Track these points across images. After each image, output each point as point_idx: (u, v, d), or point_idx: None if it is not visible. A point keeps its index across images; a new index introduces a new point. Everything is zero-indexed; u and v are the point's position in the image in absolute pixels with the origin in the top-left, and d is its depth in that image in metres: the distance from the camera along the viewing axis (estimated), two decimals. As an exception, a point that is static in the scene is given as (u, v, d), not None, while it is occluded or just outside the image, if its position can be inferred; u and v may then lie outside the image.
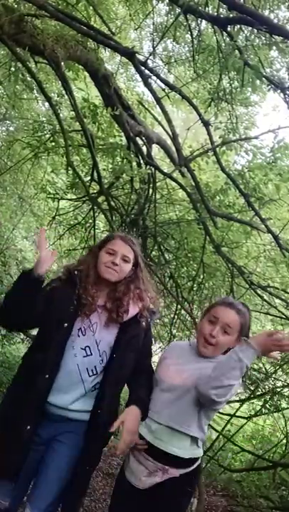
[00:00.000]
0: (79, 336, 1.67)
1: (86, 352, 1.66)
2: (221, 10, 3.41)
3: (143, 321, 1.75)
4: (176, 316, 4.23)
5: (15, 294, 1.64)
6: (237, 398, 4.10)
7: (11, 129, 7.15)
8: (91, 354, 1.67)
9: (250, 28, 3.44)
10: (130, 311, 1.72)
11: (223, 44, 3.72)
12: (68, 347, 1.65)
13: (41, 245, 1.65)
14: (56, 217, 4.49)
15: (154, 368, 1.84)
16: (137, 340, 1.74)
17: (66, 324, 1.66)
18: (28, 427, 1.59)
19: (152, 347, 1.95)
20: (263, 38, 3.35)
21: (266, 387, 3.95)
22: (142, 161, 4.19)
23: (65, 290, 1.70)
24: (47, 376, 1.61)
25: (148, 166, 4.18)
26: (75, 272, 1.74)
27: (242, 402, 3.94)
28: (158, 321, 4.60)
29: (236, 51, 3.10)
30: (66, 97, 3.85)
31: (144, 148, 4.38)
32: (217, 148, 3.98)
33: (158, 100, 3.95)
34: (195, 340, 1.81)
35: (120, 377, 1.71)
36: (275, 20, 3.84)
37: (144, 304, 1.76)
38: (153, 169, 4.22)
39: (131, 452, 1.72)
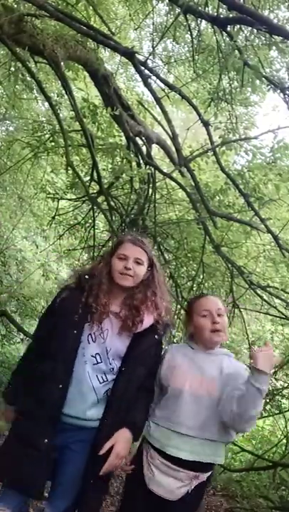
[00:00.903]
0: (89, 343, 1.64)
1: (96, 359, 1.63)
2: (220, 10, 3.41)
3: (157, 332, 1.70)
4: (175, 316, 4.22)
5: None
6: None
7: (11, 128, 7.15)
8: (101, 362, 1.64)
9: (250, 28, 3.44)
10: (145, 322, 1.67)
11: (223, 44, 3.72)
12: (79, 354, 1.63)
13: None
14: (56, 217, 4.49)
15: (163, 377, 1.77)
16: (148, 354, 1.70)
17: (75, 331, 1.63)
18: (46, 440, 1.55)
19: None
20: (263, 38, 3.34)
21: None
22: (141, 161, 4.19)
23: (73, 298, 1.68)
24: (60, 386, 1.58)
25: (148, 166, 4.17)
26: (86, 277, 1.71)
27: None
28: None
29: (236, 51, 3.10)
30: (66, 97, 3.84)
31: (144, 148, 4.38)
32: (217, 149, 3.98)
33: (158, 100, 3.95)
34: (192, 342, 1.82)
35: (128, 390, 1.66)
36: (275, 21, 3.84)
37: (159, 313, 1.71)
38: (153, 169, 4.22)
39: (152, 464, 1.69)
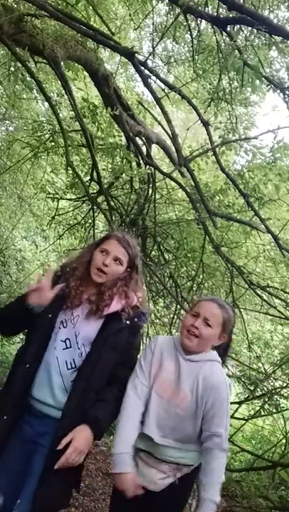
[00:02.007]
0: (60, 328, 1.67)
1: (66, 344, 1.65)
2: (220, 10, 3.41)
3: (125, 317, 1.70)
4: (175, 316, 4.23)
5: (6, 311, 1.75)
6: (236, 399, 4.11)
7: (11, 128, 7.16)
8: (70, 347, 1.65)
9: (249, 28, 3.44)
10: (113, 306, 1.68)
11: (223, 44, 3.73)
12: (52, 339, 1.66)
13: (44, 283, 1.66)
14: (56, 217, 4.49)
15: (151, 376, 1.71)
16: (117, 337, 1.67)
17: (50, 315, 1.67)
18: (5, 417, 1.58)
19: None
20: (263, 38, 3.34)
21: (265, 387, 3.95)
22: (141, 161, 4.20)
23: (53, 285, 1.71)
24: (27, 366, 1.62)
25: (148, 166, 4.18)
26: (67, 269, 1.75)
27: (241, 402, 3.94)
28: (158, 320, 4.61)
29: (236, 51, 3.10)
30: (66, 96, 3.85)
31: (144, 148, 4.38)
32: (217, 149, 3.98)
33: (157, 100, 3.95)
34: (177, 336, 1.79)
35: (95, 373, 1.63)
36: (275, 21, 3.84)
37: (128, 301, 1.72)
38: (152, 169, 4.23)
39: (138, 457, 1.69)
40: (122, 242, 1.73)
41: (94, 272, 1.69)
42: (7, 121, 6.94)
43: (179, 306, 4.06)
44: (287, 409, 3.95)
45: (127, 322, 1.70)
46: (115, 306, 1.69)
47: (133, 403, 1.66)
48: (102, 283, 1.70)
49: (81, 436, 1.55)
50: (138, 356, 1.80)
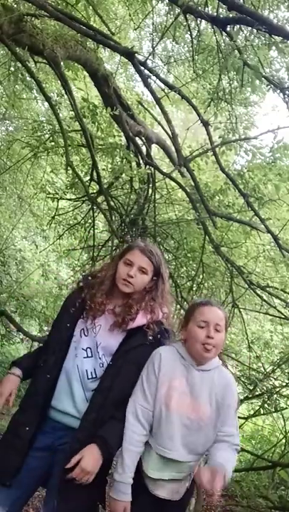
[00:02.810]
0: (81, 337, 1.68)
1: (87, 353, 1.66)
2: (220, 10, 3.41)
3: (150, 334, 1.67)
4: (175, 316, 4.22)
5: None
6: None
7: (11, 128, 7.16)
8: (91, 356, 1.66)
9: (249, 28, 3.44)
10: (137, 320, 1.67)
11: (223, 44, 3.73)
12: (71, 347, 1.67)
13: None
14: (55, 217, 4.49)
15: (163, 398, 1.64)
16: (139, 352, 1.66)
17: (68, 324, 1.69)
18: (27, 428, 1.58)
19: None
20: (263, 38, 3.34)
21: (265, 387, 3.95)
22: (141, 161, 4.19)
23: (74, 295, 1.76)
24: (48, 376, 1.62)
25: (147, 166, 4.18)
26: (89, 278, 1.79)
27: (240, 402, 3.93)
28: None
29: (236, 51, 3.10)
30: (65, 96, 3.84)
31: (144, 148, 4.38)
32: (216, 149, 3.98)
33: (157, 100, 3.95)
34: (180, 346, 1.71)
35: (114, 386, 1.61)
36: (275, 21, 3.84)
37: (153, 317, 1.71)
38: (152, 169, 4.22)
39: (156, 483, 1.65)
40: (145, 252, 1.73)
41: (121, 283, 1.69)
42: (7, 121, 6.94)
43: (179, 306, 4.06)
44: (286, 409, 3.95)
45: (150, 338, 1.68)
46: (140, 320, 1.68)
47: (132, 429, 1.61)
48: (130, 296, 1.71)
49: (89, 457, 1.53)
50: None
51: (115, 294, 1.73)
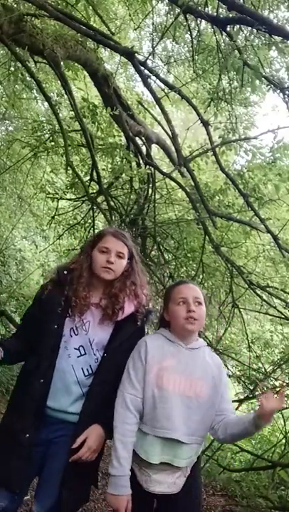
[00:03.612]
0: (72, 336, 1.64)
1: (80, 352, 1.64)
2: (220, 10, 3.41)
3: (139, 318, 1.71)
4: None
5: None
6: (236, 398, 4.10)
7: (11, 128, 7.15)
8: (85, 353, 1.64)
9: (249, 28, 3.44)
10: (126, 309, 1.68)
11: (223, 44, 3.73)
12: (62, 348, 1.63)
13: None
14: (55, 217, 4.49)
15: (152, 381, 1.64)
16: (131, 340, 1.68)
17: (56, 326, 1.63)
18: (27, 435, 1.57)
19: None
20: (263, 38, 3.34)
21: (265, 387, 3.95)
22: (141, 161, 4.20)
23: (53, 292, 1.68)
24: (42, 381, 1.59)
25: (147, 166, 4.18)
26: (64, 272, 1.71)
27: (241, 401, 3.93)
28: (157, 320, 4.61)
29: (236, 51, 3.10)
30: (65, 96, 3.85)
31: (144, 148, 4.39)
32: (216, 149, 3.98)
33: (157, 100, 3.95)
34: (165, 331, 1.73)
35: (109, 378, 1.64)
36: (275, 21, 3.84)
37: (139, 301, 1.72)
38: (152, 169, 4.23)
39: (143, 468, 1.64)
40: (118, 237, 1.72)
41: (101, 271, 1.66)
42: (7, 121, 6.94)
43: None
44: (286, 409, 3.95)
45: (138, 323, 1.71)
46: (128, 308, 1.68)
47: (124, 419, 1.60)
48: (112, 284, 1.69)
49: (94, 435, 1.59)
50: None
51: (95, 285, 1.70)
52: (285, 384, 3.85)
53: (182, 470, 1.65)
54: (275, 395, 1.50)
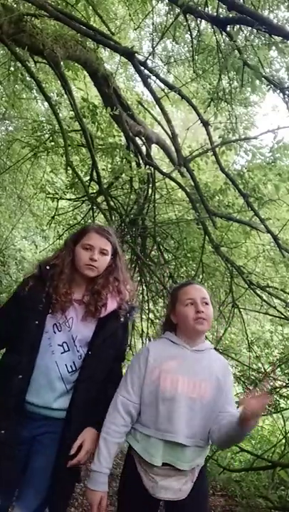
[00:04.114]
0: (55, 333, 1.63)
1: (63, 348, 1.63)
2: (220, 10, 3.41)
3: (122, 315, 1.70)
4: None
5: None
6: (236, 399, 4.10)
7: (11, 128, 7.15)
8: (69, 350, 1.63)
9: (249, 28, 3.45)
10: (109, 306, 1.67)
11: (223, 44, 3.73)
12: (45, 345, 1.62)
13: None
14: (55, 217, 4.49)
15: (152, 383, 1.65)
16: (114, 337, 1.69)
17: (37, 322, 1.61)
18: (3, 432, 1.54)
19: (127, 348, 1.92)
20: (263, 38, 3.34)
21: (264, 387, 3.95)
22: (141, 161, 4.20)
23: (35, 288, 1.66)
24: (20, 377, 1.57)
25: (147, 166, 4.18)
26: (46, 267, 1.69)
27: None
28: (157, 320, 4.61)
29: (236, 51, 3.10)
30: (65, 96, 3.84)
31: (144, 148, 4.38)
32: (216, 149, 3.98)
33: (157, 100, 3.95)
34: (171, 334, 1.73)
35: (95, 375, 1.65)
36: (275, 21, 3.84)
37: (122, 298, 1.72)
38: (152, 169, 4.23)
39: (150, 473, 1.62)
40: (102, 233, 1.70)
41: (84, 268, 1.65)
42: (7, 121, 6.93)
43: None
44: (286, 409, 3.95)
45: (122, 320, 1.71)
46: (111, 305, 1.68)
47: (110, 419, 1.63)
48: (94, 281, 1.68)
49: (89, 438, 1.61)
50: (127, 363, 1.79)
51: (78, 281, 1.69)
52: (284, 384, 3.85)
53: (188, 475, 1.63)
54: (258, 396, 1.47)
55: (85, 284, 1.70)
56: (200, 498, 1.69)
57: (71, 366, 1.63)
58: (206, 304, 1.69)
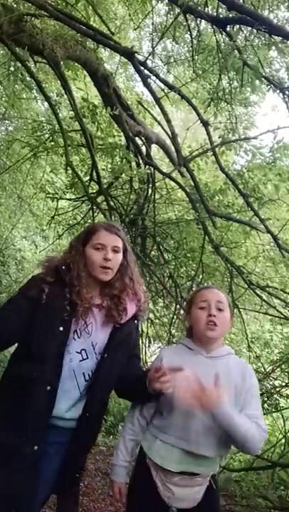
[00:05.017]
0: (74, 339, 1.54)
1: (82, 356, 1.54)
2: (220, 10, 3.42)
3: (139, 319, 1.68)
4: (175, 316, 4.23)
5: None
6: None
7: (10, 128, 7.15)
8: (87, 358, 1.55)
9: (249, 28, 3.45)
10: (129, 310, 1.61)
11: (223, 44, 3.73)
12: (65, 353, 1.53)
13: None
14: (55, 217, 4.49)
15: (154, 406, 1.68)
16: (129, 339, 1.65)
17: (62, 328, 1.51)
18: (36, 448, 1.43)
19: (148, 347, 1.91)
20: (263, 38, 3.34)
21: (265, 387, 3.95)
22: (141, 161, 4.20)
23: (55, 293, 1.55)
24: (48, 388, 1.47)
25: (147, 166, 4.18)
26: (63, 268, 1.59)
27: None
28: (157, 320, 4.61)
29: (236, 51, 3.10)
30: (65, 96, 3.85)
31: (144, 148, 4.38)
32: (216, 149, 3.98)
33: (157, 100, 3.95)
34: (188, 340, 1.71)
35: (110, 379, 1.59)
36: (275, 21, 3.84)
37: (139, 299, 1.66)
38: (152, 169, 4.22)
39: (168, 483, 1.61)
40: (112, 230, 1.62)
41: (99, 271, 1.57)
42: (7, 121, 6.93)
43: (178, 306, 4.06)
44: (286, 409, 3.95)
45: (136, 322, 1.67)
46: (131, 309, 1.63)
47: (128, 418, 1.73)
48: (111, 285, 1.61)
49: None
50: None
51: (93, 285, 1.60)
52: (284, 384, 3.85)
53: (203, 484, 1.62)
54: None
55: (99, 287, 1.62)
56: (212, 504, 1.68)
57: (88, 375, 1.55)
58: (220, 309, 1.63)
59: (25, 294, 1.56)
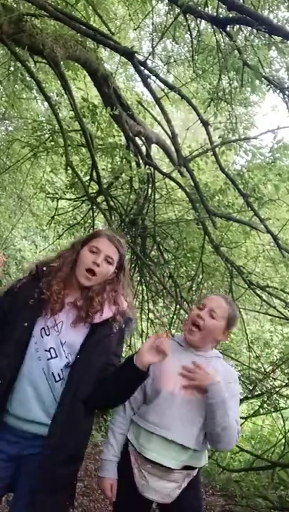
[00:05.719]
0: (42, 337, 1.50)
1: (50, 354, 1.49)
2: (220, 10, 3.42)
3: (116, 325, 1.58)
4: (175, 316, 4.23)
5: None
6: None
7: (10, 128, 7.16)
8: (56, 356, 1.49)
9: (249, 28, 3.45)
10: (104, 314, 1.56)
11: (223, 44, 3.73)
12: (31, 349, 1.49)
13: None
14: (55, 217, 4.49)
15: (153, 379, 1.67)
16: (106, 343, 1.55)
17: (26, 324, 1.49)
18: None
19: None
20: (263, 38, 3.35)
21: (264, 387, 3.96)
22: (141, 161, 4.20)
23: (28, 286, 1.56)
24: (0, 382, 1.44)
25: (147, 166, 4.18)
26: (43, 268, 1.59)
27: (240, 401, 3.93)
28: (157, 320, 4.61)
29: (235, 51, 3.10)
30: (65, 96, 3.85)
31: (144, 148, 4.38)
32: (216, 149, 3.98)
33: (157, 100, 3.96)
34: (180, 336, 1.78)
35: (83, 383, 1.49)
36: (275, 21, 3.84)
37: (118, 308, 1.60)
38: (152, 169, 4.23)
39: (143, 471, 1.64)
40: (113, 241, 1.60)
41: (82, 274, 1.55)
42: (7, 121, 6.94)
43: (178, 306, 4.06)
44: (286, 409, 3.95)
45: (116, 329, 1.59)
46: (107, 313, 1.57)
47: (117, 410, 1.73)
48: (89, 287, 1.57)
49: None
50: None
51: (73, 284, 1.58)
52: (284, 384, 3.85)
53: (179, 482, 1.64)
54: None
55: (79, 290, 1.59)
56: (195, 503, 1.71)
57: (59, 375, 1.49)
58: (212, 317, 1.66)
59: (7, 288, 1.62)
